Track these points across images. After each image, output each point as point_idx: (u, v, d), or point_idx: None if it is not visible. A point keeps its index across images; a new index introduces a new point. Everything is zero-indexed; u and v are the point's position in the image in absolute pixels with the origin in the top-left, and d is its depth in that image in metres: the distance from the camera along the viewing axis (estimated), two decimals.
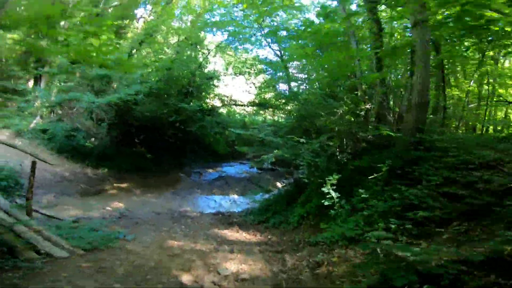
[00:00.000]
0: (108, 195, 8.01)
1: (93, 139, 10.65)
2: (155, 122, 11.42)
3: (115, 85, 10.05)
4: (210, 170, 12.30)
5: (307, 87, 7.75)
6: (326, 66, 6.28)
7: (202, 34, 13.04)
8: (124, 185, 8.99)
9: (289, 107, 9.42)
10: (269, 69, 12.39)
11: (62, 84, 9.87)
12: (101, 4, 9.17)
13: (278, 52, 11.90)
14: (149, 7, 12.36)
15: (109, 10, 10.08)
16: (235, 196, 9.42)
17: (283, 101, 10.41)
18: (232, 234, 6.06)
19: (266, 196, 7.98)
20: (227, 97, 12.98)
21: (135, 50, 11.16)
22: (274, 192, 8.72)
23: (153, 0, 12.08)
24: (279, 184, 10.98)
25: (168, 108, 10.01)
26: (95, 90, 9.82)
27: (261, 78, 14.35)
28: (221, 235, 5.85)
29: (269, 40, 11.32)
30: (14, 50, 9.40)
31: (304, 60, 8.98)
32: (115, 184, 8.91)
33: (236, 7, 11.67)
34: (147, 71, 9.96)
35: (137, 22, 12.86)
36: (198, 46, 12.05)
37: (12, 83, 10.29)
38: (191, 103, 10.03)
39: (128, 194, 8.30)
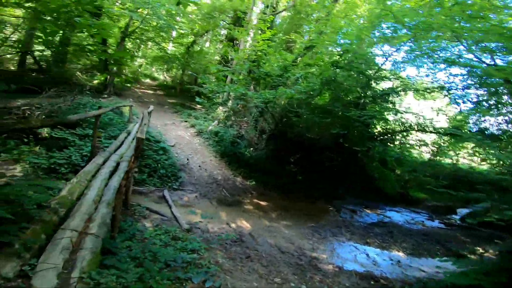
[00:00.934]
0: (241, 210, 7.26)
1: (252, 149, 10.68)
2: (313, 141, 10.09)
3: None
4: (368, 211, 9.44)
5: None
6: None
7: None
8: (263, 203, 8.07)
9: None
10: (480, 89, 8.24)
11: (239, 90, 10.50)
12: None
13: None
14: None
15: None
16: (401, 255, 6.31)
17: None
18: None
19: (465, 267, 4.57)
20: (414, 115, 9.57)
21: (299, 58, 10.46)
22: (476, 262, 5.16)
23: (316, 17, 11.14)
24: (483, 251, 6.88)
25: (332, 118, 8.23)
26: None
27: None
28: None
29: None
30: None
31: None
32: (254, 200, 8.16)
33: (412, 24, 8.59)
34: (309, 70, 8.80)
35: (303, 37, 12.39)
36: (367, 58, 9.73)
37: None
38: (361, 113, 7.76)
39: (261, 214, 7.23)
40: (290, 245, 5.79)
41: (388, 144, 9.83)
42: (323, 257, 5.55)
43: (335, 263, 5.39)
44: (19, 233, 2.25)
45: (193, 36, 18.92)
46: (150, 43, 19.16)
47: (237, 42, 12.87)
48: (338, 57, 8.20)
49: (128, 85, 18.34)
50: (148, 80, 22.56)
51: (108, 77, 14.61)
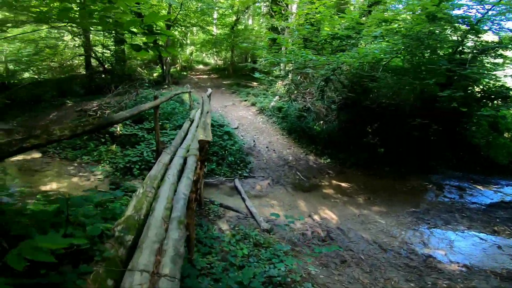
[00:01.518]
0: (321, 195, 6.35)
1: (322, 122, 9.49)
2: (397, 107, 8.43)
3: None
4: (479, 187, 7.57)
5: None
6: None
7: None
8: (344, 184, 7.02)
9: None
10: None
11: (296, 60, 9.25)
12: None
13: None
14: None
15: None
16: None
17: None
18: None
19: None
20: None
21: (364, 17, 8.49)
22: None
23: None
24: None
25: (436, 76, 6.41)
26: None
27: None
28: None
29: None
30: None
31: None
32: (333, 181, 7.15)
33: None
34: (389, 27, 6.91)
35: None
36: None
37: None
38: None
39: (346, 200, 6.22)
40: (392, 239, 4.73)
41: (502, 105, 7.57)
42: (440, 253, 4.38)
43: (459, 261, 4.19)
44: (79, 283, 1.71)
45: (234, 16, 18.24)
46: (194, 28, 19.29)
47: (283, 12, 11.34)
48: (434, 7, 6.19)
49: (184, 73, 18.59)
50: (201, 66, 23.02)
51: (165, 67, 14.78)
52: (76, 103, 11.21)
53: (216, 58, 23.31)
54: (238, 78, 17.66)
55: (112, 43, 14.19)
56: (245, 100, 12.06)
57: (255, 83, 15.38)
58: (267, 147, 8.44)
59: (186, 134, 6.76)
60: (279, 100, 10.64)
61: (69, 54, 13.34)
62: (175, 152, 4.90)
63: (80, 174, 5.99)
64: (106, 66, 13.86)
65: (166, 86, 13.58)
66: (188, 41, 22.01)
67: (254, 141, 8.47)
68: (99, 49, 13.69)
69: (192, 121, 8.02)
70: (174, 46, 18.24)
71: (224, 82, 16.97)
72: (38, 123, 10.18)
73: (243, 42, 16.45)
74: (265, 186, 6.22)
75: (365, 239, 4.65)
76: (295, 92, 10.43)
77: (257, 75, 10.04)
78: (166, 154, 4.56)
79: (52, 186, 5.34)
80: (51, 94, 11.99)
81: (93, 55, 13.21)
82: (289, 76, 10.12)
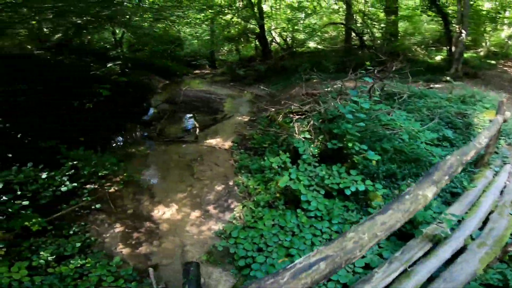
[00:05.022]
0: None
1: None
2: None
3: None
4: None
5: None
6: None
7: None
8: None
9: None
10: None
11: None
12: None
13: None
14: None
15: None
16: None
17: None
18: None
19: None
20: None
21: None
22: None
23: None
24: None
25: None
26: None
27: None
28: None
29: None
30: None
31: None
32: None
33: None
34: None
35: None
36: None
37: None
38: None
39: None
40: None
41: None
42: None
43: None
44: None
45: None
46: None
47: None
48: None
49: (492, 61, 11.74)
50: None
51: (453, 49, 9.42)
52: (320, 81, 9.54)
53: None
54: None
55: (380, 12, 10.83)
56: None
57: None
58: None
59: None
60: None
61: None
62: None
63: None
64: (365, 40, 10.86)
65: (447, 78, 8.49)
66: (506, 20, 14.01)
67: None
68: (359, 17, 10.89)
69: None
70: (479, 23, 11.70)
71: None
72: (284, 94, 9.63)
73: None
74: None
75: None
76: None
77: None
78: None
79: None
80: (305, 67, 11.24)
81: (354, 26, 10.63)
82: None
